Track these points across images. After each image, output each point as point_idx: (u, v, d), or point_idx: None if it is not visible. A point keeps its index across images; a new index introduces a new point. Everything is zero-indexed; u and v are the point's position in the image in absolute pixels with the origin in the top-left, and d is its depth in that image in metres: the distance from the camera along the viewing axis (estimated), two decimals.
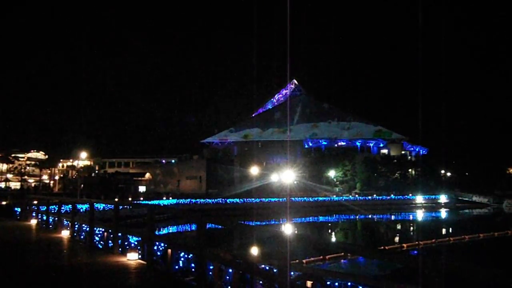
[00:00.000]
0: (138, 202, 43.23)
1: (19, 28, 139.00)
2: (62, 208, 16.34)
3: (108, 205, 21.80)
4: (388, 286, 9.57)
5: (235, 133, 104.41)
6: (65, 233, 13.74)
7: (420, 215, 58.20)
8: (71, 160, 72.77)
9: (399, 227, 45.25)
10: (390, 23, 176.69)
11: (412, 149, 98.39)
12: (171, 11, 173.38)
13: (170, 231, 34.07)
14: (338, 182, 76.06)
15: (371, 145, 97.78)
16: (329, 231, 39.87)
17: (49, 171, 70.79)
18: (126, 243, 10.46)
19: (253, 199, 55.68)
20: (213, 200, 54.28)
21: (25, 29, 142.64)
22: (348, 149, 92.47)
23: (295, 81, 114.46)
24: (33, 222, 18.13)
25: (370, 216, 51.78)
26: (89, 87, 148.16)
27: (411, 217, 55.58)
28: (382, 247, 21.27)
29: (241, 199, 55.51)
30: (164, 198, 54.01)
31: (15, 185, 62.65)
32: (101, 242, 11.71)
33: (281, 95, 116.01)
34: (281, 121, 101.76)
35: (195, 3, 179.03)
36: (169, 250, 8.60)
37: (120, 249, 10.27)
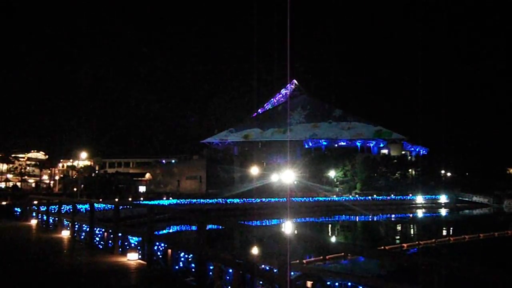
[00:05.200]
0: (138, 202, 43.26)
1: (18, 27, 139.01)
2: (62, 208, 16.36)
3: (108, 205, 21.84)
4: (388, 286, 9.58)
5: (235, 133, 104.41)
6: (65, 233, 13.74)
7: (420, 215, 58.19)
8: (71, 160, 72.74)
9: (399, 227, 45.23)
10: (390, 23, 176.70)
11: (412, 149, 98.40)
12: (171, 10, 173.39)
13: (170, 231, 34.09)
14: (338, 182, 76.06)
15: (371, 145, 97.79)
16: (329, 231, 39.87)
17: (49, 171, 70.77)
18: (126, 243, 10.47)
19: (253, 199, 55.67)
20: (213, 200, 54.26)
21: (25, 28, 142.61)
22: (348, 149, 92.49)
23: (295, 81, 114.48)
24: (33, 222, 18.14)
25: (370, 216, 51.76)
26: (89, 87, 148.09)
27: (411, 217, 55.57)
28: (382, 247, 21.25)
29: (241, 199, 55.49)
30: (164, 198, 54.02)
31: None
32: (101, 242, 11.72)
33: (281, 95, 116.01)
34: (281, 121, 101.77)
35: (195, 2, 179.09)
36: (169, 250, 8.61)
37: (120, 249, 10.28)
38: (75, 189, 48.96)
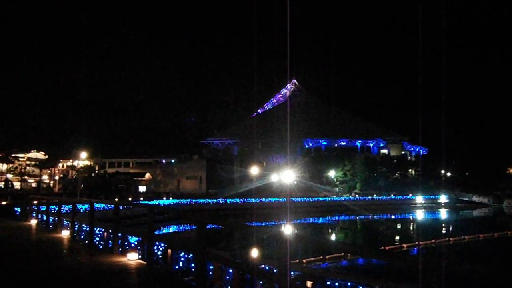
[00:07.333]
0: (138, 202, 43.25)
1: (20, 29, 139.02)
2: (62, 208, 16.34)
3: (108, 205, 21.82)
4: (388, 286, 9.57)
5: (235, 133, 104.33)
6: (65, 233, 13.73)
7: (420, 215, 58.16)
8: (71, 160, 72.64)
9: (399, 227, 45.22)
10: (391, 23, 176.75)
11: (412, 149, 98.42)
12: (171, 11, 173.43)
13: (170, 231, 34.08)
14: (338, 182, 76.04)
15: (371, 145, 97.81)
16: (329, 231, 39.85)
17: (49, 171, 70.74)
18: (126, 243, 10.45)
19: (253, 199, 55.64)
20: (213, 200, 54.24)
21: (26, 30, 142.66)
22: (348, 149, 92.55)
23: (295, 81, 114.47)
24: (33, 222, 18.13)
25: (370, 216, 51.73)
26: (89, 87, 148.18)
27: (411, 217, 55.56)
28: (382, 247, 21.25)
29: (241, 199, 55.47)
30: (164, 198, 54.03)
31: (14, 185, 62.65)
32: (101, 242, 11.72)
33: (281, 95, 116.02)
34: (281, 121, 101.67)
35: (196, 3, 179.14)
36: (169, 250, 8.61)
37: (120, 249, 10.26)
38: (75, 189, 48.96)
